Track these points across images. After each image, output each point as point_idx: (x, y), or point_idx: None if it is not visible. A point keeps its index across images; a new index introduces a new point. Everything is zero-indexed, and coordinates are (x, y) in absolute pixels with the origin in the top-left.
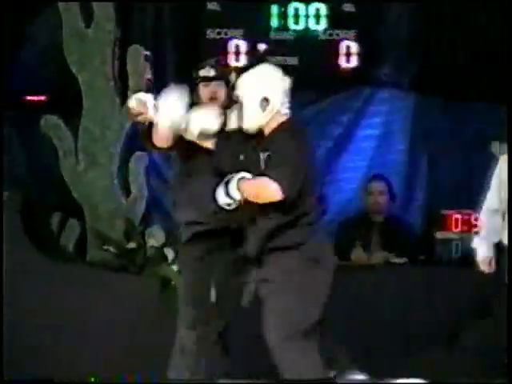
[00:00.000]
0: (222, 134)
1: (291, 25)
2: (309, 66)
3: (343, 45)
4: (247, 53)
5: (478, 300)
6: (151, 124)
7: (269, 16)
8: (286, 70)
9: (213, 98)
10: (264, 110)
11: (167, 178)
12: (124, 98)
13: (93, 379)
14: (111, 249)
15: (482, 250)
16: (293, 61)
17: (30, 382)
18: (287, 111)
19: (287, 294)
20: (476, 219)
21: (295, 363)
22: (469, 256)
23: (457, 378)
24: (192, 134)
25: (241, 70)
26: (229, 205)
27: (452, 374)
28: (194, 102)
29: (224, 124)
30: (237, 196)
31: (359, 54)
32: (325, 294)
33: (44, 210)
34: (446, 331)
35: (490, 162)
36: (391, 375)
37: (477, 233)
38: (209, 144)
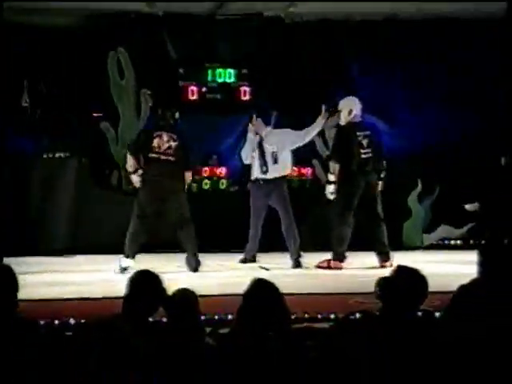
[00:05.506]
0: None
1: (218, 79)
2: (226, 99)
3: (242, 89)
4: (197, 93)
5: None
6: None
7: (207, 75)
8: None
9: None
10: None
11: None
12: (139, 114)
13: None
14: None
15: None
16: (218, 96)
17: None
18: None
19: None
20: None
21: None
22: None
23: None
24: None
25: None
26: None
27: None
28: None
29: None
30: None
31: (250, 94)
32: None
33: (107, 168)
34: None
35: None
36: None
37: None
38: None
